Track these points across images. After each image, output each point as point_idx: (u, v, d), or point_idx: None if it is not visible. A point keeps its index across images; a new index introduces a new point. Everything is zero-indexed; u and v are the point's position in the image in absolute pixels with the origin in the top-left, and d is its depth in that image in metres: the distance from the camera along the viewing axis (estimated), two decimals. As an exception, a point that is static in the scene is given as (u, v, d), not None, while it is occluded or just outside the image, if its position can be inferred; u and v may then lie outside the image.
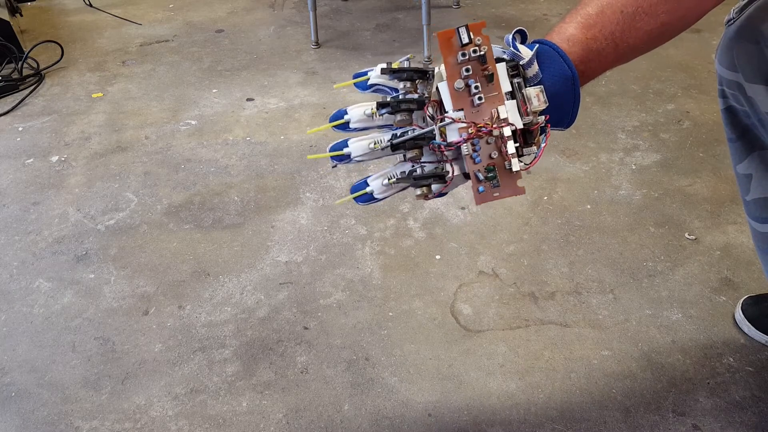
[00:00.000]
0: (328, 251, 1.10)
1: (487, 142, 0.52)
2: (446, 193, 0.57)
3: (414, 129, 0.54)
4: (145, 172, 1.32)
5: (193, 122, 1.51)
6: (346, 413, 0.83)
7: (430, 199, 0.55)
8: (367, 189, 0.57)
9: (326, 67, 1.76)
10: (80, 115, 1.55)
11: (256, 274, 1.06)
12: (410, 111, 0.54)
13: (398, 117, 0.53)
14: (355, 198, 0.58)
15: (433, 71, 0.55)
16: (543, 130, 0.53)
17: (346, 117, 0.56)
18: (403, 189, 0.56)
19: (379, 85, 0.57)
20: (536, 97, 0.51)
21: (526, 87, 0.52)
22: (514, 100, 0.52)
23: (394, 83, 0.55)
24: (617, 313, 0.96)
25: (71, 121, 1.52)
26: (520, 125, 0.52)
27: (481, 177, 0.53)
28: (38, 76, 1.71)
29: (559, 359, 0.89)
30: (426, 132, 0.53)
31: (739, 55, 0.59)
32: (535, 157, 0.53)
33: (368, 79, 0.57)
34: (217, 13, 2.16)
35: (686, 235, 1.11)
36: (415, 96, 0.54)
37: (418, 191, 0.54)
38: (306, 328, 0.95)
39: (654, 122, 1.44)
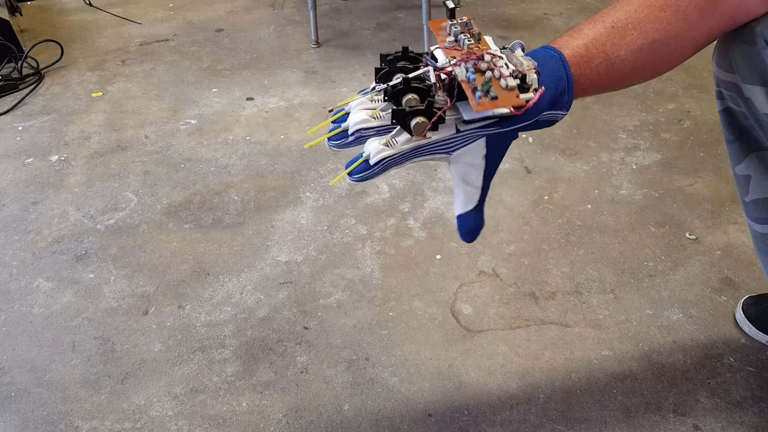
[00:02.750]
0: (328, 251, 1.10)
1: (480, 70, 0.51)
2: (482, 222, 0.55)
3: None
4: (145, 172, 1.32)
5: (193, 121, 1.50)
6: (346, 413, 0.83)
7: (429, 135, 0.51)
8: (363, 154, 0.52)
9: (326, 66, 1.76)
10: (80, 114, 1.55)
11: (256, 273, 1.05)
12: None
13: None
14: (348, 173, 0.53)
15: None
16: (536, 90, 0.51)
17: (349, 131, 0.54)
18: (405, 155, 0.52)
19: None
20: (525, 59, 0.52)
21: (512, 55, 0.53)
22: (504, 58, 0.52)
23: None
24: (618, 313, 0.96)
25: (71, 121, 1.52)
26: (511, 67, 0.51)
27: (478, 87, 0.50)
28: (38, 76, 1.71)
29: (560, 359, 0.89)
30: (422, 72, 0.51)
31: (736, 56, 0.59)
32: (534, 98, 0.51)
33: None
34: (217, 13, 2.15)
35: (687, 234, 1.11)
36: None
37: (413, 122, 0.49)
38: (306, 328, 0.95)
39: (655, 122, 1.44)
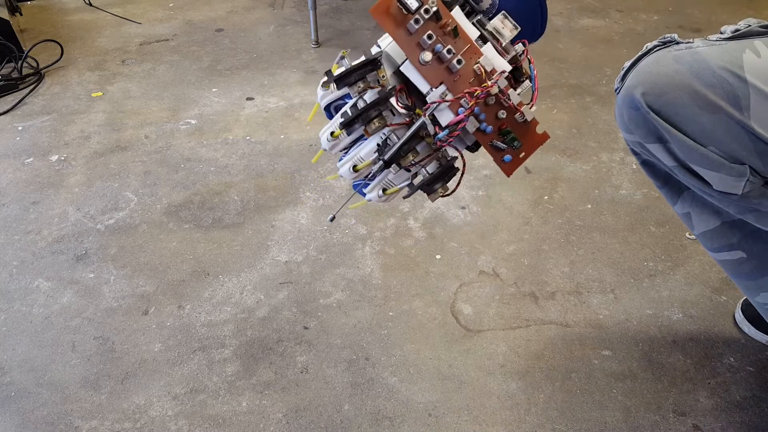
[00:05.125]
0: (328, 251, 1.10)
1: (486, 104, 0.45)
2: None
3: (395, 130, 0.47)
4: (145, 172, 1.32)
5: (193, 121, 1.50)
6: (346, 413, 0.83)
7: (451, 193, 0.49)
8: (366, 198, 0.53)
9: (326, 66, 1.76)
10: (80, 114, 1.55)
11: (255, 273, 1.05)
12: (381, 114, 0.46)
13: (372, 126, 0.46)
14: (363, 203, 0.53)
15: (380, 54, 0.47)
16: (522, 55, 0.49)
17: (322, 147, 0.52)
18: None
19: (332, 103, 0.51)
20: (503, 26, 0.47)
21: (487, 22, 0.47)
22: (488, 43, 0.46)
23: (343, 91, 0.48)
24: (618, 313, 0.96)
25: (71, 121, 1.52)
26: (508, 68, 0.46)
27: (501, 145, 0.46)
28: (38, 76, 1.71)
29: (560, 359, 0.89)
30: (416, 129, 0.46)
31: (629, 119, 0.62)
32: (534, 91, 0.48)
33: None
34: (217, 12, 2.15)
35: (687, 234, 1.11)
36: (376, 93, 0.46)
37: (436, 194, 0.47)
38: (306, 328, 0.95)
39: (654, 122, 1.44)
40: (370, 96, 0.46)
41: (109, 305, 1.00)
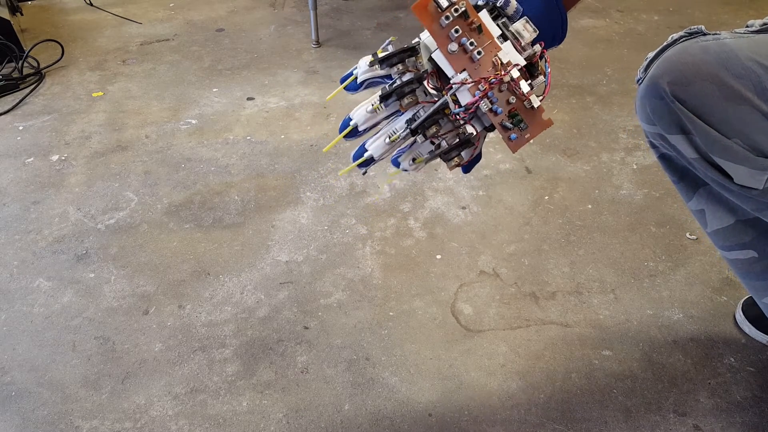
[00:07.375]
0: (329, 251, 1.10)
1: (500, 90, 0.53)
2: (479, 157, 0.59)
3: (424, 107, 0.56)
4: (146, 172, 1.32)
5: (194, 121, 1.50)
6: (347, 413, 0.83)
7: (465, 164, 0.57)
8: (401, 167, 0.59)
9: (327, 66, 1.76)
10: (80, 114, 1.55)
11: (256, 273, 1.05)
12: (414, 91, 0.55)
13: (405, 101, 0.54)
14: (391, 177, 0.61)
15: (419, 44, 0.56)
16: (541, 57, 0.55)
17: (352, 123, 0.58)
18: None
19: (369, 79, 0.58)
20: (524, 29, 0.53)
21: (510, 24, 0.54)
22: (508, 41, 0.53)
23: (385, 71, 0.57)
24: (618, 313, 0.96)
25: (71, 120, 1.52)
26: (522, 62, 0.53)
27: (509, 125, 0.54)
28: (38, 75, 1.71)
29: (560, 359, 0.89)
30: (440, 105, 0.54)
31: (652, 110, 0.62)
32: (546, 86, 0.54)
33: (356, 78, 0.58)
34: (218, 12, 2.15)
35: (687, 234, 1.11)
36: (412, 74, 0.55)
37: (452, 162, 0.55)
38: (306, 328, 0.95)
39: (655, 122, 1.44)
40: (407, 77, 0.55)
41: (109, 305, 1.00)
